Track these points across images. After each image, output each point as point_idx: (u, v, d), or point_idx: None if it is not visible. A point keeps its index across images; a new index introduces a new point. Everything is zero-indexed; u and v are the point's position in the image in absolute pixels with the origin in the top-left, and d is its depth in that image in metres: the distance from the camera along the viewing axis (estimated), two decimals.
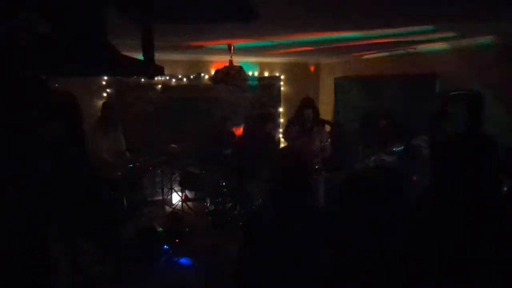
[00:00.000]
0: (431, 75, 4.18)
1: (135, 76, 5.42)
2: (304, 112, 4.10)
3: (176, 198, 5.53)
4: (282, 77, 6.37)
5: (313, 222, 1.80)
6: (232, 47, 3.92)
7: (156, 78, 5.57)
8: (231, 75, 4.19)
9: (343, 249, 1.78)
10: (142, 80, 5.54)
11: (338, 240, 1.79)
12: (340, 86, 6.03)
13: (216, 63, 5.52)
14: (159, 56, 2.13)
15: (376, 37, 3.38)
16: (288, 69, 6.37)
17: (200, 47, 4.17)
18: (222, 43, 3.79)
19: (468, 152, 2.11)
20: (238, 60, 4.77)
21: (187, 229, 4.33)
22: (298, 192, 1.83)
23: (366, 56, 5.31)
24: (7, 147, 1.19)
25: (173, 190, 5.55)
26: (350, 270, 1.73)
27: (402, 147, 3.78)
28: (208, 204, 5.17)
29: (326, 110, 6.40)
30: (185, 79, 5.78)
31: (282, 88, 6.41)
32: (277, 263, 1.69)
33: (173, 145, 5.28)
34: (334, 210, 2.08)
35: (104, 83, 5.35)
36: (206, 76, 5.83)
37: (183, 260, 3.70)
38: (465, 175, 1.99)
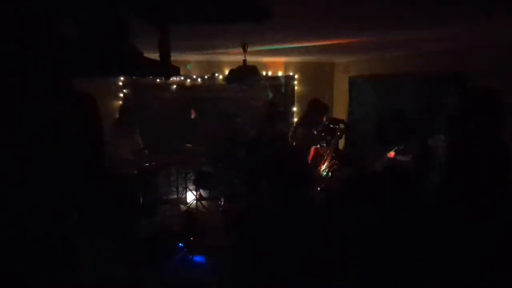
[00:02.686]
0: (448, 74, 4.10)
1: (151, 77, 5.51)
2: (313, 116, 4.13)
3: (190, 197, 5.59)
4: (296, 76, 6.36)
5: (316, 218, 1.80)
6: (246, 47, 3.94)
7: (171, 79, 5.66)
8: (245, 75, 4.21)
9: (346, 243, 1.78)
10: (158, 80, 5.63)
11: (342, 236, 1.79)
12: (355, 85, 5.98)
13: (230, 63, 5.55)
14: (174, 57, 2.16)
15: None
16: (303, 68, 6.35)
17: (214, 47, 4.21)
18: (235, 44, 3.81)
19: (485, 154, 2.06)
20: (252, 60, 4.78)
21: (201, 228, 4.37)
22: (302, 190, 1.84)
23: (381, 55, 5.24)
24: (27, 145, 1.24)
25: (187, 189, 5.61)
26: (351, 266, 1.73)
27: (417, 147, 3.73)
28: (222, 203, 5.21)
29: (340, 109, 6.36)
30: (199, 79, 5.84)
31: (296, 88, 6.39)
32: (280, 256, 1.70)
33: (187, 145, 5.34)
34: (338, 207, 2.08)
35: (121, 84, 5.45)
36: (220, 76, 5.87)
37: (198, 258, 3.74)
38: (481, 177, 1.94)
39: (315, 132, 4.19)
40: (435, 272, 1.65)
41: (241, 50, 4.01)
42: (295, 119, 6.33)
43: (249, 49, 4.00)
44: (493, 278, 1.60)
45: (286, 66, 6.29)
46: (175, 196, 5.59)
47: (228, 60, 5.70)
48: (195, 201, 5.44)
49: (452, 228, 1.84)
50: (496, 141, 2.19)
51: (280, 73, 6.27)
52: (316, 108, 4.27)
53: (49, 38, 1.04)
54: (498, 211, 1.81)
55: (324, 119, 4.30)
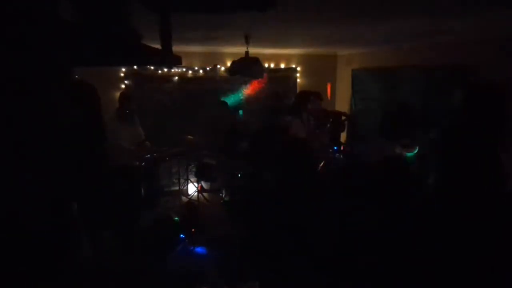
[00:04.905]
0: (451, 67, 4.06)
1: (153, 67, 5.48)
2: (303, 108, 4.20)
3: (192, 188, 5.60)
4: (298, 68, 6.32)
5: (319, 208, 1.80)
6: (249, 39, 3.90)
7: (172, 70, 5.63)
8: (247, 67, 4.19)
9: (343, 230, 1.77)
10: (159, 71, 5.60)
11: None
12: (357, 77, 5.94)
13: (233, 54, 5.51)
14: (176, 48, 2.13)
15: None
16: (305, 60, 6.30)
17: (217, 38, 4.17)
18: (238, 35, 3.77)
19: (488, 148, 2.04)
20: (254, 52, 4.74)
21: (202, 219, 4.38)
22: (303, 175, 1.83)
23: (384, 47, 5.19)
24: (25, 135, 1.22)
25: (189, 181, 5.62)
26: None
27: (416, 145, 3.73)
28: (223, 195, 5.22)
29: (343, 102, 6.33)
30: (201, 71, 5.80)
31: (298, 80, 6.36)
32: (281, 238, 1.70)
33: (189, 136, 5.33)
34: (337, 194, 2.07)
35: (122, 74, 5.43)
36: (223, 68, 5.83)
37: (199, 249, 3.76)
38: (479, 170, 1.92)
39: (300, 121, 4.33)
40: (433, 270, 1.64)
41: (243, 41, 3.97)
42: None
43: (251, 41, 3.96)
44: (493, 278, 1.58)
45: (289, 58, 6.24)
46: (177, 188, 5.60)
47: (230, 51, 5.66)
48: (196, 193, 5.45)
49: (452, 224, 1.82)
50: (500, 134, 2.17)
51: (282, 65, 6.22)
52: (300, 98, 4.41)
53: (46, 22, 1.01)
54: (499, 207, 1.79)
55: (309, 106, 4.38)
